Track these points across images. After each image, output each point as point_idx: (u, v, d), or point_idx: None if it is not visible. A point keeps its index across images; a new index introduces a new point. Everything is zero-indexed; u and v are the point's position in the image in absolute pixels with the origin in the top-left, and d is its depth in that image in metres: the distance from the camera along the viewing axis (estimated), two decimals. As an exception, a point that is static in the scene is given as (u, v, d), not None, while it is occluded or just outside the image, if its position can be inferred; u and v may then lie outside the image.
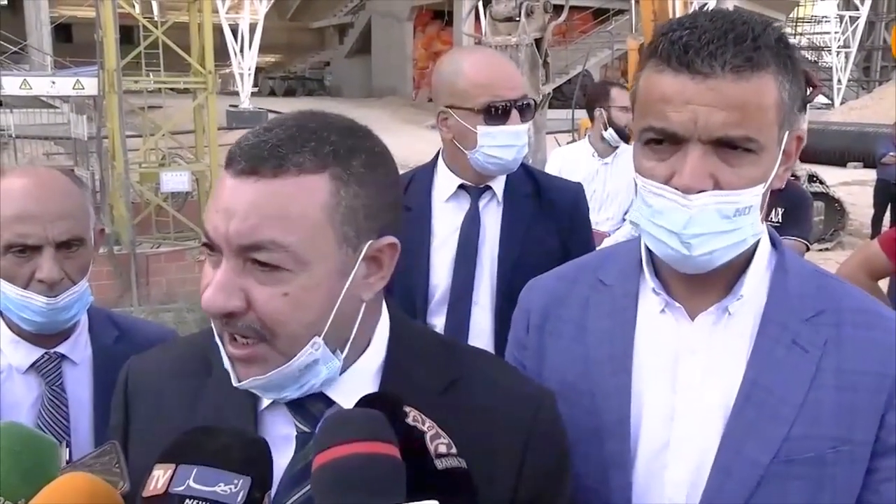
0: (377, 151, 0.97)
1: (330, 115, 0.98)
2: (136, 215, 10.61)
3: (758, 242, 1.14)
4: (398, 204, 1.01)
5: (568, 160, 4.38)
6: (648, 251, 1.18)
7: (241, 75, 22.46)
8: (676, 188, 1.03)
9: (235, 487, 0.80)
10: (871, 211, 11.98)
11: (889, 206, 11.82)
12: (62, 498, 0.84)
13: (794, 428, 1.08)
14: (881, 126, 16.03)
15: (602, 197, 4.20)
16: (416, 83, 29.39)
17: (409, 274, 2.14)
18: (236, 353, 0.92)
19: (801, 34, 33.71)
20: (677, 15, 10.25)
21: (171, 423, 0.94)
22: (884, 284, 2.89)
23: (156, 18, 13.76)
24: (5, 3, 20.47)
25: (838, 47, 30.90)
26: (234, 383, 0.94)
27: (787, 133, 1.08)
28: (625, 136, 4.13)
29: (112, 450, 0.94)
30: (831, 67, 30.75)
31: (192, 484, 0.80)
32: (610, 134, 4.19)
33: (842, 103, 28.70)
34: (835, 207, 11.50)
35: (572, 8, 6.16)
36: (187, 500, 0.79)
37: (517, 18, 5.55)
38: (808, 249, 3.73)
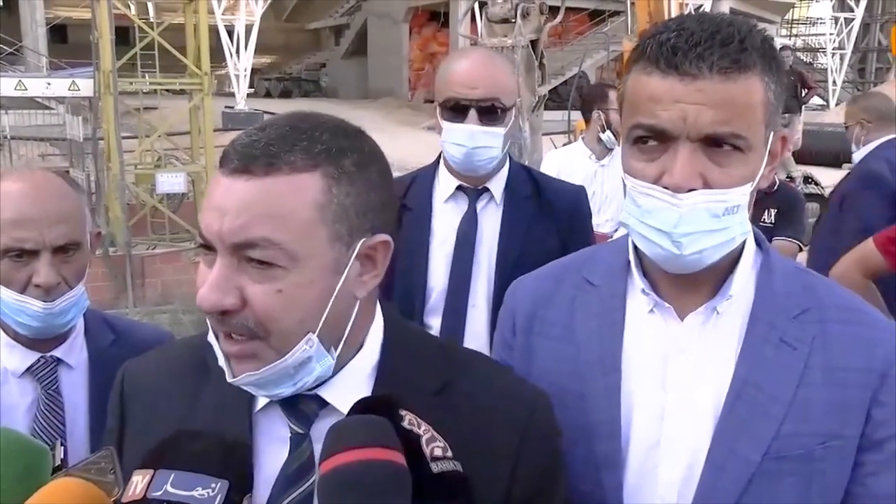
0: (369, 151, 0.99)
1: (322, 116, 0.99)
2: (132, 217, 10.61)
3: (744, 242, 1.15)
4: (392, 203, 1.02)
5: (564, 163, 4.39)
6: (636, 251, 1.19)
7: (237, 76, 22.43)
8: (666, 187, 1.05)
9: (213, 491, 0.82)
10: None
11: (884, 207, 11.85)
12: (54, 501, 0.84)
13: (784, 425, 1.09)
14: (876, 127, 16.05)
15: (600, 199, 4.21)
16: (413, 84, 29.38)
17: (409, 274, 2.15)
18: (230, 350, 0.93)
19: (796, 36, 33.82)
20: (673, 15, 10.28)
21: (167, 427, 0.94)
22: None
23: (151, 19, 13.75)
24: (0, 4, 20.44)
25: (833, 49, 30.98)
26: (229, 379, 0.95)
27: (772, 133, 1.10)
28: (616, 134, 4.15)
29: (107, 455, 0.95)
30: (826, 69, 30.83)
31: (169, 489, 0.81)
32: (608, 136, 4.20)
33: (837, 105, 28.74)
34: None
35: (568, 9, 6.17)
36: None
37: (513, 20, 5.56)
38: (801, 250, 3.75)
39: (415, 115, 24.08)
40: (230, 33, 22.06)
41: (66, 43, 29.07)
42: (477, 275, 2.15)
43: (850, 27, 31.13)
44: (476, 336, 2.12)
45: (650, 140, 1.06)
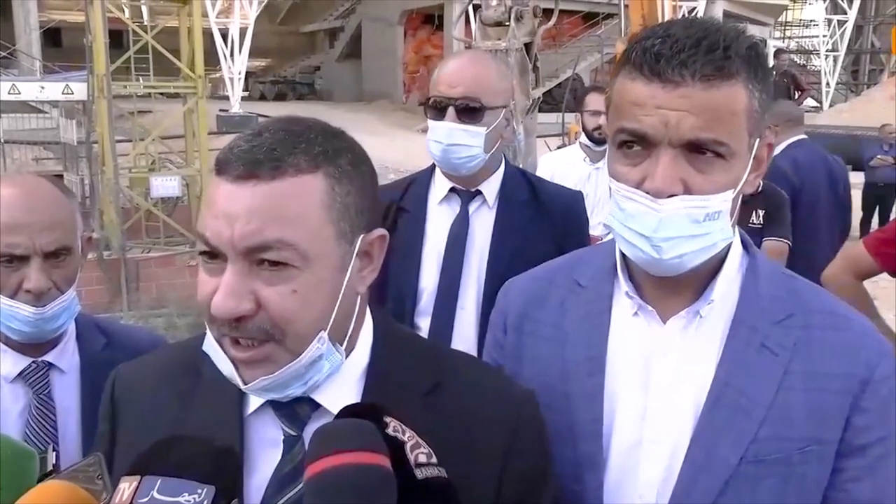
0: (358, 151, 1.01)
1: (309, 119, 1.00)
2: (126, 220, 10.59)
3: (729, 246, 1.16)
4: (378, 200, 1.04)
5: (560, 165, 4.39)
6: (623, 254, 1.20)
7: (232, 80, 22.40)
8: (648, 192, 1.06)
9: (199, 497, 0.82)
10: (860, 213, 12.06)
11: (877, 208, 11.90)
12: (42, 502, 0.84)
13: (762, 429, 1.10)
14: (869, 129, 16.12)
15: (594, 201, 4.20)
16: (407, 87, 29.39)
17: (402, 275, 2.15)
18: (242, 356, 0.93)
19: (789, 38, 33.92)
20: (667, 18, 10.30)
21: (159, 431, 0.94)
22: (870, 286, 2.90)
23: (145, 23, 13.73)
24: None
25: (827, 51, 31.08)
26: (241, 387, 0.95)
27: (757, 140, 1.10)
28: (595, 140, 4.16)
29: (95, 462, 0.94)
30: (820, 71, 30.93)
31: (156, 495, 0.81)
32: (584, 140, 4.23)
33: (830, 106, 28.83)
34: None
35: (562, 12, 6.19)
36: None
37: (507, 23, 5.57)
38: (790, 249, 3.77)
39: (409, 117, 24.08)
40: (224, 36, 22.02)
41: (60, 46, 29.02)
42: (467, 277, 2.15)
43: (843, 29, 31.24)
44: (464, 338, 2.12)
45: (634, 145, 1.07)
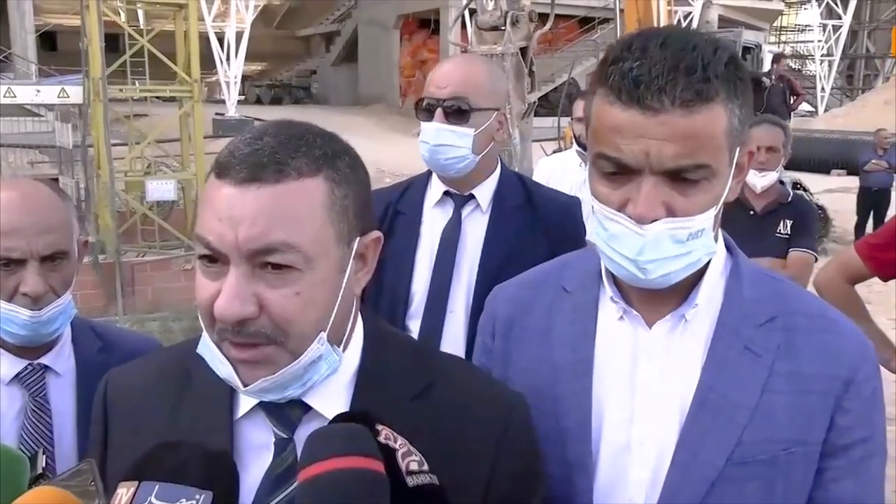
0: (353, 153, 1.02)
1: (304, 123, 1.01)
2: (122, 224, 10.58)
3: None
4: (371, 202, 1.05)
5: (556, 169, 4.40)
6: None
7: (228, 83, 22.42)
8: (631, 216, 1.06)
9: (197, 503, 0.82)
10: (855, 218, 12.10)
11: (871, 213, 11.94)
12: None
13: (747, 431, 1.11)
14: (864, 134, 16.20)
15: (588, 206, 4.21)
16: (403, 91, 29.40)
17: (395, 277, 2.15)
18: (242, 356, 0.94)
19: (784, 43, 34.03)
20: (662, 24, 10.33)
21: (150, 436, 0.95)
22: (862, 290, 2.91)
23: (141, 27, 13.73)
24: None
25: (822, 56, 31.19)
26: (240, 389, 0.96)
27: (738, 150, 1.10)
28: (585, 147, 4.15)
29: (88, 467, 0.94)
30: (815, 76, 31.03)
31: (153, 501, 0.81)
32: (576, 148, 4.24)
33: (825, 111, 28.95)
34: (819, 214, 11.59)
35: (558, 17, 6.19)
36: None
37: (503, 27, 5.57)
38: (816, 260, 3.74)
39: (405, 121, 24.08)
40: (220, 40, 22.05)
41: (56, 50, 29.03)
42: (457, 281, 2.15)
43: (838, 34, 31.34)
44: (454, 341, 2.12)
45: (615, 170, 1.07)
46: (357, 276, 1.01)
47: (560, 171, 4.34)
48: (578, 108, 4.23)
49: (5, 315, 1.43)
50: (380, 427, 0.89)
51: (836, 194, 14.79)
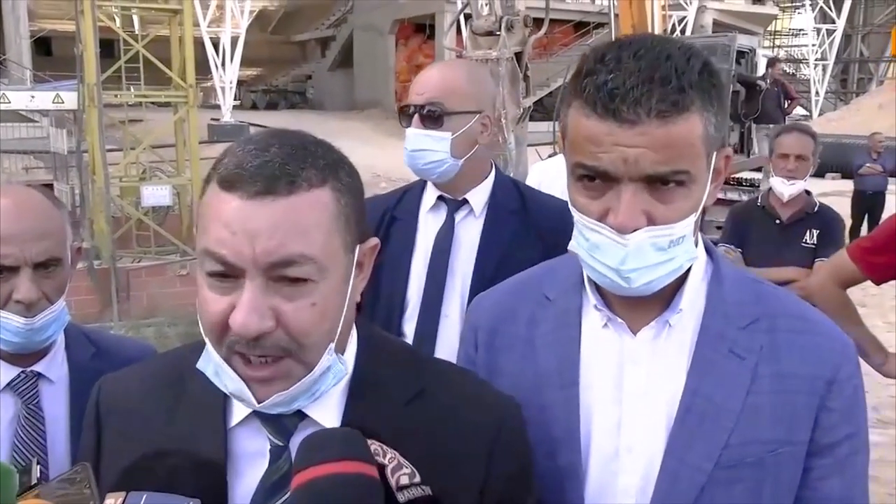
0: (349, 162, 1.02)
1: (300, 132, 1.01)
2: (117, 230, 10.58)
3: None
4: (365, 210, 1.05)
5: (548, 174, 4.39)
6: None
7: (223, 89, 22.42)
8: (612, 226, 1.06)
9: None
10: (849, 221, 12.14)
11: (866, 216, 11.98)
12: None
13: (734, 434, 1.11)
14: (858, 137, 16.23)
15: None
16: (399, 96, 29.41)
17: (391, 282, 2.16)
18: (256, 375, 0.93)
19: (778, 47, 34.14)
20: (656, 28, 10.36)
21: (143, 444, 0.95)
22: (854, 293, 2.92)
23: (136, 32, 13.73)
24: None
25: (816, 60, 31.32)
26: (255, 406, 0.95)
27: (714, 155, 1.10)
28: None
29: (83, 472, 0.94)
30: (809, 79, 31.14)
31: None
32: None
33: (820, 115, 29.04)
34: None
35: (552, 21, 6.22)
36: None
37: (498, 33, 5.59)
38: None
39: (401, 127, 24.08)
40: (216, 45, 22.05)
41: (51, 56, 29.00)
42: (451, 285, 2.15)
43: (831, 38, 31.46)
44: (448, 346, 2.11)
45: (594, 178, 1.07)
46: (355, 284, 1.01)
47: (553, 174, 4.33)
48: None
49: (-2, 322, 1.43)
50: (369, 441, 0.88)
51: (830, 198, 14.76)
